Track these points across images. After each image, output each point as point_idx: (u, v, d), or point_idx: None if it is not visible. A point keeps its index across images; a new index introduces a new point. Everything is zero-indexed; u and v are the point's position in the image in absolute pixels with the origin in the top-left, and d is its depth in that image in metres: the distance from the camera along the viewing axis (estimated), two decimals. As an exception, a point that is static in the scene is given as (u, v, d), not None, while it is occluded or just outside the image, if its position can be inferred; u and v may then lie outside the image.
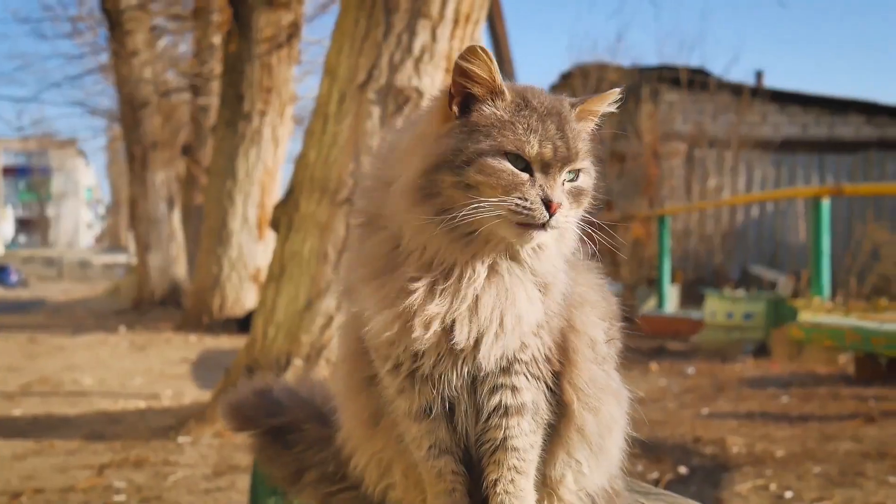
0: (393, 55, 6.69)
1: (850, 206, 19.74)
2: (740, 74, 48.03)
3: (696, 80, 21.13)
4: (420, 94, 6.66)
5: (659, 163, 20.42)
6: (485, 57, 1.91)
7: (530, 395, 2.04)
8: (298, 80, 19.44)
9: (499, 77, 1.95)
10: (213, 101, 19.80)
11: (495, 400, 2.03)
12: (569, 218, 1.94)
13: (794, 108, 21.70)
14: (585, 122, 2.04)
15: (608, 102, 2.07)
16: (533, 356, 2.04)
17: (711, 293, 13.93)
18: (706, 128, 20.79)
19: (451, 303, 1.93)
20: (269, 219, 8.06)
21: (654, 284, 16.73)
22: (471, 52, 1.92)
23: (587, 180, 2.01)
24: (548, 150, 1.90)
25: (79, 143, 53.52)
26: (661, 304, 15.95)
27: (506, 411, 2.03)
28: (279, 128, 15.62)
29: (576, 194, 1.97)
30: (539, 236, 1.89)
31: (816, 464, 6.27)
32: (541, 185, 1.88)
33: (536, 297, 2.00)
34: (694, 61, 32.54)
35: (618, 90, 2.06)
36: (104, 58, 23.45)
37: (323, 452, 2.51)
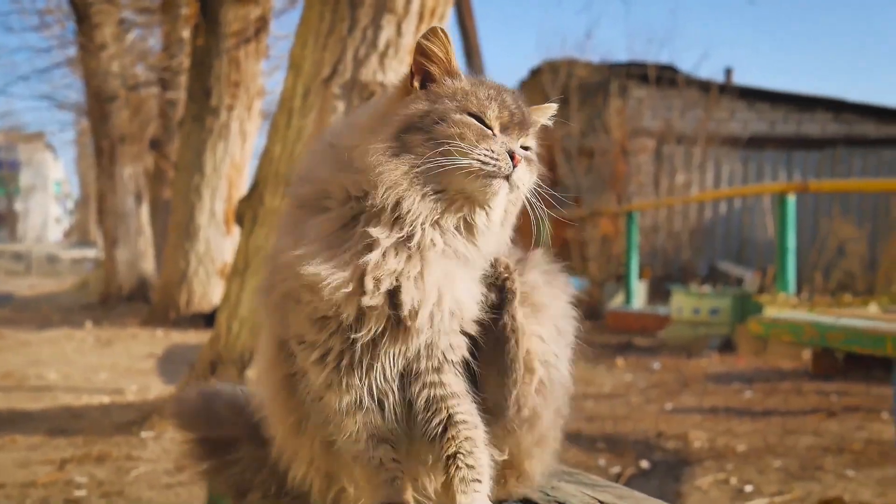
0: (358, 50, 6.68)
1: (816, 203, 19.87)
2: (710, 72, 48.30)
3: (665, 77, 21.20)
4: (385, 88, 6.66)
5: (627, 159, 20.48)
6: (444, 37, 2.03)
7: (461, 387, 2.07)
8: (267, 74, 19.45)
9: (455, 59, 2.06)
10: (181, 95, 19.73)
11: (426, 393, 2.05)
12: (524, 179, 2.01)
13: (763, 105, 21.81)
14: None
15: (547, 115, 2.21)
16: (463, 357, 2.08)
17: (678, 289, 14.01)
18: (674, 124, 20.85)
19: (405, 264, 1.96)
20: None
21: (622, 280, 16.80)
22: (431, 32, 2.03)
23: (536, 161, 2.11)
24: (506, 116, 2.02)
25: (47, 136, 53.31)
26: (628, 300, 16.02)
27: (442, 398, 2.05)
28: (247, 122, 15.59)
29: (528, 160, 2.06)
30: (502, 189, 1.96)
31: (777, 458, 6.33)
32: (503, 141, 1.98)
33: (476, 290, 2.06)
34: (663, 58, 32.63)
35: (555, 105, 2.21)
36: (72, 51, 23.29)
37: (261, 474, 2.48)
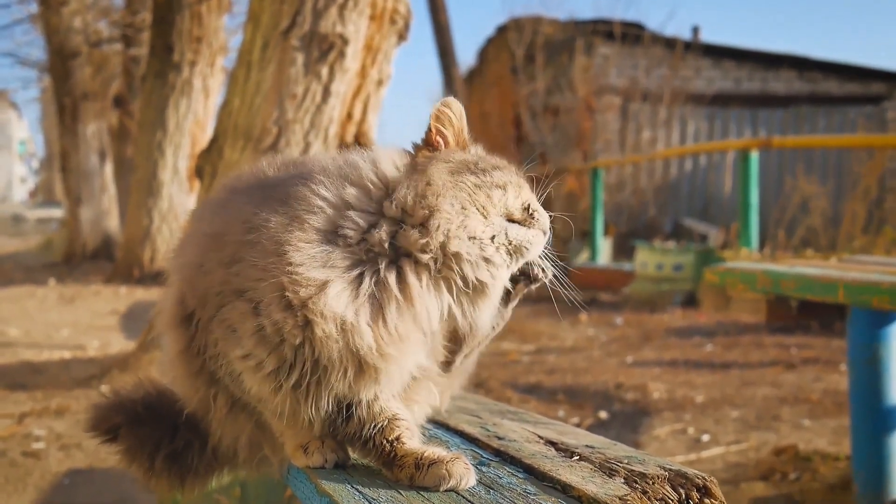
0: (317, 1, 6.61)
1: (780, 160, 19.99)
2: (677, 29, 48.21)
3: (631, 34, 21.17)
4: (344, 40, 6.60)
5: (593, 116, 20.50)
6: (456, 110, 2.03)
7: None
8: (233, 32, 19.22)
9: (465, 130, 2.05)
10: (145, 51, 19.52)
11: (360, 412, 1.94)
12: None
13: (728, 63, 21.85)
14: None
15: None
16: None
17: (642, 245, 14.05)
18: (640, 81, 20.86)
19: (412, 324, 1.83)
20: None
21: (588, 237, 16.84)
22: (446, 104, 2.02)
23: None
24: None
25: (10, 94, 52.66)
26: (593, 256, 16.08)
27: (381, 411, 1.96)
28: (209, 78, 15.47)
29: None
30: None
31: (734, 408, 6.39)
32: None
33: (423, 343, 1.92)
34: (630, 15, 32.62)
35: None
36: (34, 6, 22.97)
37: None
